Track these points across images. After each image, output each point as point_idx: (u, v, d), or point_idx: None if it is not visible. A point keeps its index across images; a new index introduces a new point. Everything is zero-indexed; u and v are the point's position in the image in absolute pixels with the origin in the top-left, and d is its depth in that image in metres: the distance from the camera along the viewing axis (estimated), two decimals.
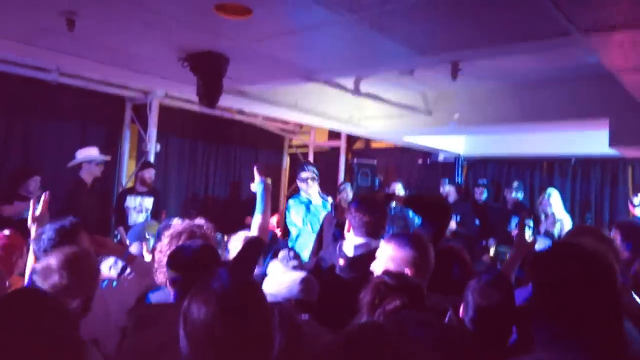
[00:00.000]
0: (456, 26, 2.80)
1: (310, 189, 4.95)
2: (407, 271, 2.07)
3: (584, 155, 6.39)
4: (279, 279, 2.22)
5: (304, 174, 4.98)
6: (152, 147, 6.62)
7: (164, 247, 2.23)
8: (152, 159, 6.45)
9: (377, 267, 2.18)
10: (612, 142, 4.48)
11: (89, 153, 5.34)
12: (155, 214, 5.82)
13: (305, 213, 4.86)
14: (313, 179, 4.95)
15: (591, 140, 5.77)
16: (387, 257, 2.16)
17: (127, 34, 3.05)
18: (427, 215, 2.78)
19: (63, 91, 5.84)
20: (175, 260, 1.95)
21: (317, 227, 4.18)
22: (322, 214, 4.56)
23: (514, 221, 5.82)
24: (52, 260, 1.87)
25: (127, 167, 6.95)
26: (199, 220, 2.41)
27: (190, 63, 3.54)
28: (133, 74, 3.91)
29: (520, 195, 6.38)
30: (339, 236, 2.91)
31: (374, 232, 2.54)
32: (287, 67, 3.64)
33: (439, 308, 1.96)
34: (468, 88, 5.04)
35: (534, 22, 2.65)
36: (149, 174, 5.87)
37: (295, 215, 4.89)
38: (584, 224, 5.77)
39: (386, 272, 1.94)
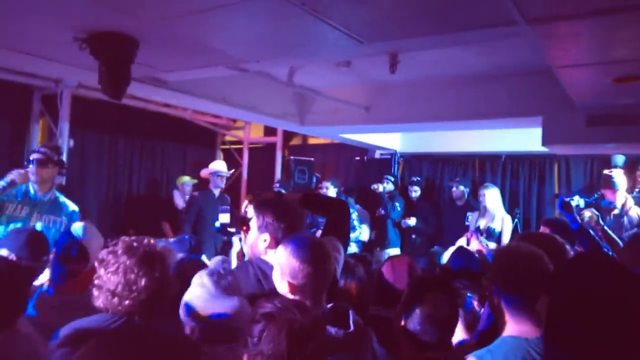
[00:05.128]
0: (399, 11, 2.48)
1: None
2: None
3: (513, 153, 6.55)
4: (203, 304, 1.74)
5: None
6: (65, 143, 5.97)
7: (118, 269, 1.71)
8: (64, 156, 5.75)
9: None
10: (545, 141, 4.48)
11: (216, 167, 5.98)
12: None
13: None
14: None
15: (520, 138, 5.98)
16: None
17: None
18: (326, 214, 2.42)
19: None
20: None
21: None
22: None
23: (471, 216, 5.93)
24: None
25: None
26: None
27: (91, 45, 3.00)
28: (23, 58, 3.27)
29: (467, 191, 6.33)
30: None
31: None
32: (207, 53, 3.17)
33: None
34: (406, 84, 4.81)
35: (481, 9, 2.44)
36: None
37: None
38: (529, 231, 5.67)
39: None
